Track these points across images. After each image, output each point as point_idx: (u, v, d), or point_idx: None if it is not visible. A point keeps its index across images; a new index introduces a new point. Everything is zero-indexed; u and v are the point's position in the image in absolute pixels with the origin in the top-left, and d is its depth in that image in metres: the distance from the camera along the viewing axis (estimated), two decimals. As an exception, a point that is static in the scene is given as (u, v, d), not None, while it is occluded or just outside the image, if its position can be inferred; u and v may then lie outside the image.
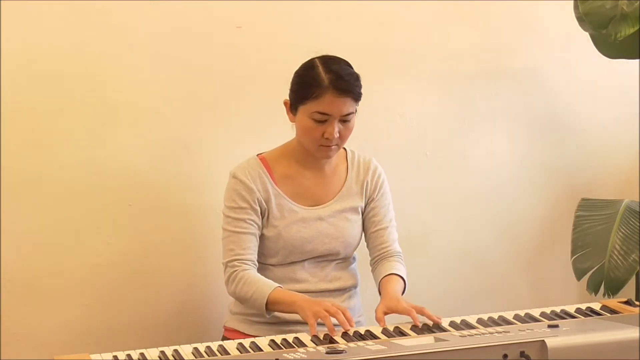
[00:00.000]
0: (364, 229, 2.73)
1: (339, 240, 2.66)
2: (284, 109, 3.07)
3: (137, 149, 2.99)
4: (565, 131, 3.52)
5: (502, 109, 3.42)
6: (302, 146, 2.62)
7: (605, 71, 3.47)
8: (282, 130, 3.07)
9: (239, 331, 2.68)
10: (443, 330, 2.32)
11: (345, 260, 2.71)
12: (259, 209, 2.61)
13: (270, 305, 2.49)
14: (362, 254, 2.77)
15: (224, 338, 2.73)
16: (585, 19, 3.05)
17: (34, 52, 2.86)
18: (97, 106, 2.94)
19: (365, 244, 2.74)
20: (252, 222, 2.60)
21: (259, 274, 2.57)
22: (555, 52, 3.46)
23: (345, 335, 2.32)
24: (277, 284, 2.52)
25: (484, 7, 3.35)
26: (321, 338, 2.30)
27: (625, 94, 3.55)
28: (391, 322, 2.39)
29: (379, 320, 2.40)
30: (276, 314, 2.58)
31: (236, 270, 2.56)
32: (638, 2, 2.97)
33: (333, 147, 2.56)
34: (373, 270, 2.70)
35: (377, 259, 2.69)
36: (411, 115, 3.31)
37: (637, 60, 3.20)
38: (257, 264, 2.61)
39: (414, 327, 2.35)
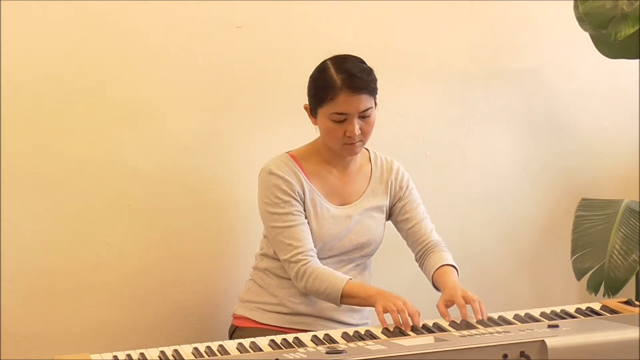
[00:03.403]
0: (399, 228, 2.78)
1: (365, 237, 2.70)
2: (284, 108, 3.08)
3: (137, 149, 2.99)
4: (565, 131, 3.52)
5: (502, 109, 3.42)
6: (328, 146, 2.66)
7: (605, 71, 3.47)
8: (283, 129, 3.08)
9: (249, 318, 2.71)
10: (443, 330, 2.32)
11: (365, 260, 2.74)
12: (300, 199, 2.63)
13: (343, 299, 2.52)
14: (378, 256, 2.79)
15: (232, 326, 2.77)
16: (585, 19, 3.05)
17: (34, 52, 2.86)
18: (97, 106, 2.94)
19: (406, 242, 2.78)
20: (299, 213, 2.62)
21: (325, 266, 2.59)
22: (555, 52, 3.46)
23: (345, 335, 2.33)
24: (347, 277, 2.54)
25: (484, 7, 3.35)
26: (321, 338, 2.30)
27: (625, 94, 3.55)
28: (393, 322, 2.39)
29: (443, 315, 2.43)
30: (290, 305, 2.65)
31: (304, 265, 2.57)
32: (638, 2, 2.97)
33: (357, 143, 2.61)
34: (421, 265, 2.74)
35: (422, 253, 2.72)
36: (411, 115, 3.31)
37: (637, 60, 3.20)
38: (315, 251, 2.62)
39: (414, 327, 2.35)
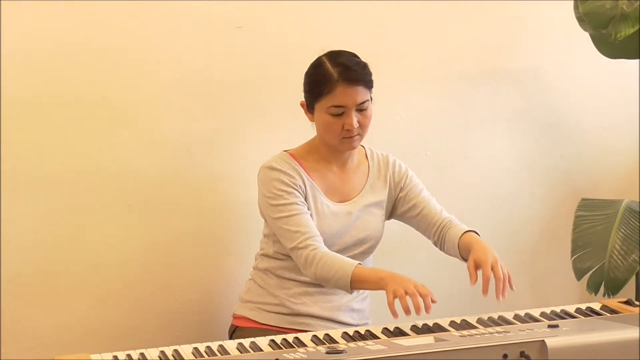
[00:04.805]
0: (408, 218, 2.76)
1: (365, 233, 2.70)
2: (284, 109, 3.08)
3: (137, 149, 2.99)
4: (565, 131, 3.52)
5: (502, 109, 3.43)
6: (325, 143, 2.66)
7: (605, 71, 3.47)
8: (284, 129, 3.08)
9: (249, 318, 2.72)
10: (443, 330, 2.32)
11: (365, 257, 2.73)
12: (302, 193, 2.62)
13: (353, 284, 2.48)
14: (377, 255, 2.79)
15: (232, 326, 2.77)
16: (585, 19, 3.05)
17: (34, 52, 2.86)
18: (97, 106, 2.94)
19: (419, 230, 2.76)
20: (303, 204, 2.61)
21: (333, 252, 2.56)
22: (555, 52, 3.46)
23: (345, 335, 2.33)
24: (356, 261, 2.51)
25: (484, 7, 3.35)
26: (321, 338, 2.30)
27: (625, 94, 3.55)
28: (393, 322, 2.38)
29: (471, 275, 2.42)
30: (290, 305, 2.65)
31: (312, 250, 2.53)
32: (638, 2, 2.97)
33: (355, 137, 2.60)
34: (442, 246, 2.70)
35: (438, 233, 2.70)
36: (411, 115, 3.31)
37: (637, 60, 3.20)
38: (322, 237, 2.59)
39: (414, 327, 2.35)
